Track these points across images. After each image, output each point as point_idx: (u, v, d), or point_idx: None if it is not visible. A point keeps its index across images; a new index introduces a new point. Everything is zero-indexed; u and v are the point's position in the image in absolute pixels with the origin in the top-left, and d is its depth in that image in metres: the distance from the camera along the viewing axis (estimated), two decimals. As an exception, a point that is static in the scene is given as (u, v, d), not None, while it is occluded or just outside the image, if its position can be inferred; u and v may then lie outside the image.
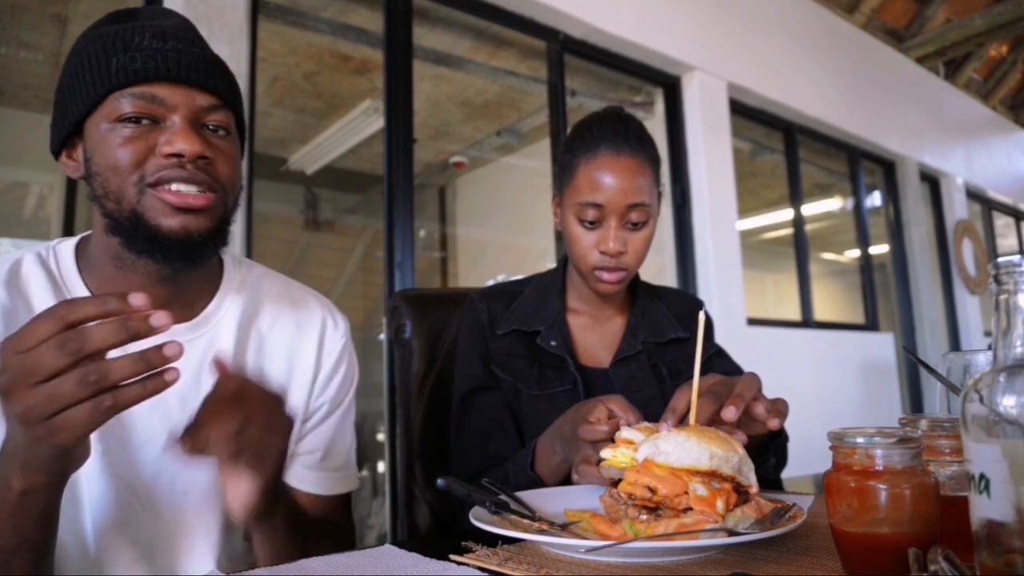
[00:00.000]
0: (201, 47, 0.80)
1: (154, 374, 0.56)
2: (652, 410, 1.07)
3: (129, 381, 0.55)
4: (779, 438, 1.00)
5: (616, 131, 1.06)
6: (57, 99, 0.80)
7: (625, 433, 0.73)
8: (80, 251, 0.84)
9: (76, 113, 0.77)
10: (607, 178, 1.03)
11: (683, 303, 1.25)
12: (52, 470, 0.60)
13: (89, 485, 0.77)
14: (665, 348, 1.16)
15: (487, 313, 1.14)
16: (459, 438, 1.11)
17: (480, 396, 1.11)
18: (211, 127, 0.79)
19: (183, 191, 0.75)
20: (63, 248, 0.83)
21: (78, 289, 0.80)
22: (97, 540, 0.77)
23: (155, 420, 0.80)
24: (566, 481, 0.91)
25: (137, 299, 0.55)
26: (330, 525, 0.94)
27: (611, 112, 1.12)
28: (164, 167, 0.74)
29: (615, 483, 0.73)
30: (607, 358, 1.14)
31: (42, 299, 0.78)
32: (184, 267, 0.79)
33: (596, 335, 1.16)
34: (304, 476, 0.92)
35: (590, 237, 1.05)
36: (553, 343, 1.10)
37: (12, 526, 0.62)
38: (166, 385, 0.57)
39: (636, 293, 1.21)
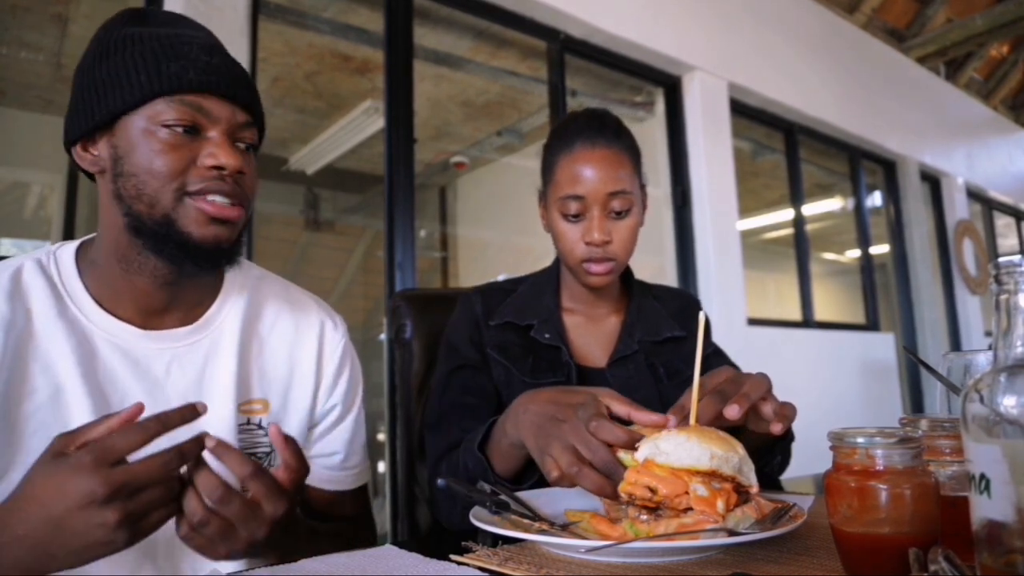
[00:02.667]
0: (238, 65, 0.83)
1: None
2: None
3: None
4: (786, 437, 0.99)
5: (591, 126, 1.08)
6: (84, 94, 0.78)
7: None
8: (81, 255, 0.83)
9: (111, 109, 0.76)
10: (585, 170, 1.05)
11: (679, 301, 1.25)
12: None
13: None
14: (662, 347, 1.15)
15: (482, 306, 1.14)
16: (440, 409, 1.07)
17: (468, 372, 1.09)
18: (243, 144, 0.82)
19: (218, 202, 0.77)
20: (63, 253, 0.83)
21: (79, 295, 0.80)
22: None
23: None
24: (520, 469, 0.86)
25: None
26: (349, 519, 0.98)
27: (586, 110, 1.14)
28: (206, 179, 0.77)
29: None
30: (602, 358, 1.14)
31: (42, 307, 0.78)
32: (204, 272, 0.82)
33: (591, 334, 1.16)
34: (325, 476, 0.96)
35: (575, 230, 1.07)
36: (547, 335, 1.10)
37: None
38: None
39: (631, 291, 1.21)
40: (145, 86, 0.75)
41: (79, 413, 0.76)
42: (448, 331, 1.16)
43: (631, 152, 1.09)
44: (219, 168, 0.77)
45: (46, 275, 0.80)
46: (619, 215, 1.06)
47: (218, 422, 0.83)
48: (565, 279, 1.18)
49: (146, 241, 0.77)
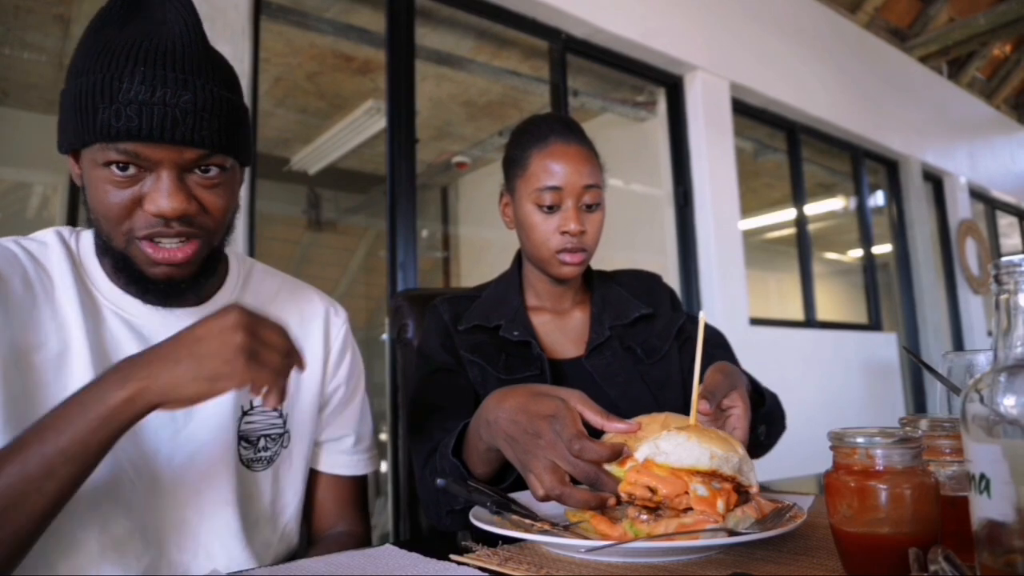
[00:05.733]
0: (195, 87, 0.73)
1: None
2: (633, 392, 1.08)
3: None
4: (762, 407, 1.00)
5: (561, 125, 1.13)
6: (62, 101, 0.77)
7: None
8: (97, 240, 0.86)
9: (70, 143, 0.76)
10: (561, 162, 1.09)
11: (640, 281, 1.27)
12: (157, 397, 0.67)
13: None
14: (633, 328, 1.17)
15: (449, 313, 1.16)
16: (420, 414, 1.08)
17: (443, 375, 1.10)
18: (202, 169, 0.77)
19: (166, 246, 0.76)
20: (85, 234, 0.87)
21: (94, 269, 0.83)
22: (80, 502, 0.74)
23: None
24: (498, 471, 0.87)
25: None
26: (349, 516, 1.01)
27: (551, 114, 1.19)
28: (151, 224, 0.75)
29: None
30: (573, 351, 1.15)
31: (60, 273, 0.81)
32: (168, 304, 0.83)
33: (559, 330, 1.17)
34: (340, 461, 1.00)
35: (550, 222, 1.09)
36: (516, 332, 1.12)
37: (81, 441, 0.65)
38: None
39: (591, 284, 1.23)
40: (84, 131, 0.73)
41: (81, 376, 0.76)
42: (419, 341, 1.18)
43: (596, 154, 1.15)
44: (162, 216, 0.74)
45: (67, 247, 0.83)
46: (590, 208, 1.10)
47: (216, 404, 0.81)
48: (528, 279, 1.20)
49: (114, 265, 0.80)
